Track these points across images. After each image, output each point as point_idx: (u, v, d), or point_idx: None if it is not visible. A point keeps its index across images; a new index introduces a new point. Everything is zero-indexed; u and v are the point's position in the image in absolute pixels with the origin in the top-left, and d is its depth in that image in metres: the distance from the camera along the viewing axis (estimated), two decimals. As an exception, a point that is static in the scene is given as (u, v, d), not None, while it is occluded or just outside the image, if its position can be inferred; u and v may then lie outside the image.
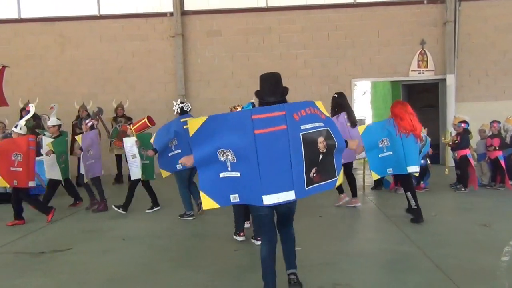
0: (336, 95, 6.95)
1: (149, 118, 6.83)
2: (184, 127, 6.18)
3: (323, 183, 3.48)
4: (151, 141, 6.60)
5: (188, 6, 12.14)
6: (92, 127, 7.38)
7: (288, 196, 3.29)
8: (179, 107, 6.44)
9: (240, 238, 5.33)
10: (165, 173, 6.64)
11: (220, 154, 3.35)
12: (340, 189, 6.88)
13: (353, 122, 6.83)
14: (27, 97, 10.49)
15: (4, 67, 9.71)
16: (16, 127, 6.75)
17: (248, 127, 3.26)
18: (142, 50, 12.15)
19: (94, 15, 12.30)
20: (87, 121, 7.60)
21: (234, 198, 3.44)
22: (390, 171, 5.79)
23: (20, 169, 6.47)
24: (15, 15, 12.42)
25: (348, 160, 6.56)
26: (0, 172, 6.41)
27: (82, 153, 7.20)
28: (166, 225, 6.36)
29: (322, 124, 3.43)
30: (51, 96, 11.58)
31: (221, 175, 3.40)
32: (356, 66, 12.10)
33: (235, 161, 3.33)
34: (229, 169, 3.36)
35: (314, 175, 3.38)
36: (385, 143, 5.65)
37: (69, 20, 12.27)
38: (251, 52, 12.07)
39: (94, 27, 12.23)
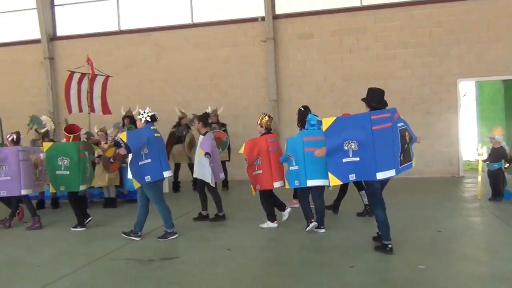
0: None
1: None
2: (155, 135, 5.97)
3: (405, 164, 4.91)
4: (123, 138, 5.81)
5: (279, 10, 11.94)
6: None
7: (391, 173, 4.76)
8: (148, 115, 5.98)
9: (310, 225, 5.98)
10: (136, 184, 5.87)
11: (345, 144, 4.79)
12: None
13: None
14: (126, 105, 10.88)
15: (107, 77, 10.17)
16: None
17: (368, 125, 4.71)
18: (234, 56, 12.15)
19: (187, 24, 12.55)
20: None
21: (352, 177, 4.89)
22: (297, 183, 5.97)
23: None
24: (115, 28, 13.06)
25: None
26: None
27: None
28: (269, 235, 6.08)
29: (403, 123, 4.91)
30: (147, 104, 11.88)
31: (344, 160, 4.82)
32: (462, 65, 11.08)
33: (357, 149, 4.77)
34: (350, 155, 4.80)
35: (402, 158, 4.81)
36: (292, 157, 5.95)
37: (164, 30, 12.64)
38: (344, 53, 11.55)
39: (187, 36, 12.48)
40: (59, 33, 13.54)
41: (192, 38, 12.44)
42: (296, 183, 5.96)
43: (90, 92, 9.62)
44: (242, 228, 6.49)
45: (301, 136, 5.96)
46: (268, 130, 6.47)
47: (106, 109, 10.06)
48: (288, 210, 6.60)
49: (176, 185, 10.29)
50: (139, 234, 6.12)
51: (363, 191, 6.62)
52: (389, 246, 4.90)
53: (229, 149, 9.74)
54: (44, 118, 9.14)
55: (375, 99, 4.95)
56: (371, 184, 4.93)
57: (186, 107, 11.12)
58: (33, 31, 13.47)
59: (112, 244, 5.89)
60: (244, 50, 12.12)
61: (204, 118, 7.21)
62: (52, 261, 5.28)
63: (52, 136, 8.90)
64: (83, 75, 9.45)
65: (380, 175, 4.71)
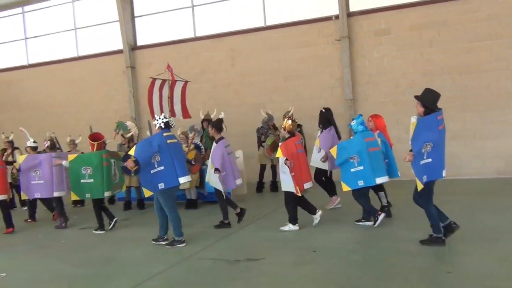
0: (324, 110, 7.67)
1: None
2: (168, 141, 5.87)
3: None
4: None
5: (353, 7, 11.64)
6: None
7: (445, 172, 5.13)
8: (163, 122, 6.01)
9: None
10: (147, 192, 5.94)
11: (423, 147, 4.92)
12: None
13: (339, 135, 7.64)
14: (203, 110, 11.16)
15: (186, 82, 10.49)
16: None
17: (436, 125, 4.91)
18: (308, 56, 12.03)
19: (260, 27, 12.62)
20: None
21: (424, 178, 4.97)
22: (361, 183, 6.13)
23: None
24: (191, 35, 13.48)
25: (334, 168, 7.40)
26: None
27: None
28: (355, 237, 5.91)
29: None
30: (222, 108, 12.15)
31: (421, 162, 4.95)
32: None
33: (430, 150, 4.94)
34: (425, 157, 4.96)
35: None
36: (356, 159, 6.11)
37: (238, 34, 12.82)
38: (424, 48, 11.00)
39: (261, 38, 12.55)
40: (139, 42, 14.23)
41: (265, 41, 12.50)
42: (360, 183, 6.11)
43: (171, 97, 9.97)
44: (324, 229, 6.36)
45: (362, 137, 6.14)
46: (291, 134, 6.52)
47: (186, 113, 10.38)
48: (319, 213, 6.51)
49: (259, 186, 10.34)
50: (165, 238, 6.15)
51: (382, 192, 6.73)
52: (442, 237, 5.11)
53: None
54: (129, 123, 9.64)
55: (431, 100, 5.00)
56: (432, 183, 5.08)
57: (260, 109, 11.16)
58: (116, 42, 14.27)
59: (198, 244, 6.03)
60: (318, 50, 11.96)
61: (217, 124, 7.00)
62: (145, 260, 5.51)
63: (136, 141, 9.32)
64: (163, 81, 9.83)
65: (444, 173, 5.08)
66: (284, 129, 6.54)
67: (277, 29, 12.38)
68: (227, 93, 12.95)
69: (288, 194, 6.38)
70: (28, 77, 15.84)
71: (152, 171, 5.78)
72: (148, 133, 9.16)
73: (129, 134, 9.24)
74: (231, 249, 5.74)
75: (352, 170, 6.12)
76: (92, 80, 14.74)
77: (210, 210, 8.36)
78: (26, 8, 15.86)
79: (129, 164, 5.78)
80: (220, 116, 8.36)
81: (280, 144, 6.47)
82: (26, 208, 9.20)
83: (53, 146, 8.27)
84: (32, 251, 6.40)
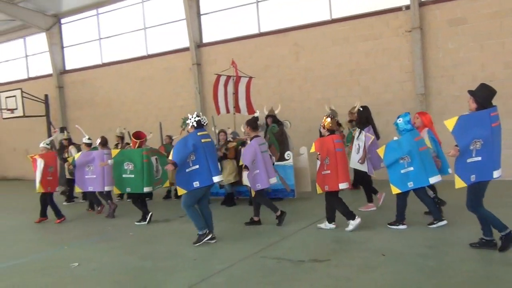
0: (362, 109, 7.45)
1: None
2: (202, 141, 5.86)
3: None
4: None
5: (426, -4, 11.00)
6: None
7: (499, 173, 4.69)
8: (195, 121, 5.99)
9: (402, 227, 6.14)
10: (181, 191, 5.92)
11: (472, 144, 4.67)
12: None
13: (378, 135, 7.42)
14: (267, 106, 11.07)
15: (250, 78, 10.46)
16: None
17: (488, 122, 4.59)
18: (375, 49, 11.54)
19: (326, 20, 12.30)
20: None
21: (473, 178, 4.71)
22: (411, 185, 5.96)
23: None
24: (255, 31, 13.44)
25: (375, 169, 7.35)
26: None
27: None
28: (425, 239, 5.52)
29: None
30: (287, 104, 12.05)
31: (468, 160, 4.72)
32: None
33: (480, 148, 4.64)
34: (473, 155, 4.68)
35: None
36: (406, 159, 5.92)
37: (302, 29, 12.59)
38: (507, 38, 10.12)
39: (326, 32, 12.23)
40: (205, 40, 14.43)
41: (330, 34, 12.16)
42: (410, 185, 5.94)
43: (236, 93, 10.00)
44: (393, 231, 6.02)
45: (412, 137, 5.94)
46: (331, 132, 6.37)
47: (251, 109, 10.36)
48: (358, 221, 6.18)
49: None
50: (206, 231, 6.11)
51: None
52: (493, 241, 4.89)
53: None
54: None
55: (484, 96, 4.70)
56: (484, 184, 4.77)
57: (324, 105, 10.88)
58: (183, 40, 14.59)
59: (260, 242, 5.94)
60: (386, 42, 11.43)
61: (252, 122, 7.01)
62: (209, 255, 5.51)
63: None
64: (228, 77, 9.87)
65: (495, 174, 4.65)
66: (324, 127, 6.42)
67: (343, 22, 12.00)
68: (291, 88, 12.79)
69: (330, 194, 6.31)
70: (101, 76, 16.68)
71: (187, 170, 5.85)
72: (213, 129, 9.29)
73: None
74: (295, 248, 5.59)
75: (402, 171, 5.95)
76: (160, 77, 15.20)
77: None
78: (100, 9, 16.67)
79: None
80: (256, 115, 8.33)
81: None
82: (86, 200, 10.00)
83: (105, 143, 8.79)
84: (102, 243, 6.65)
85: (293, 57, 12.77)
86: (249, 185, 6.82)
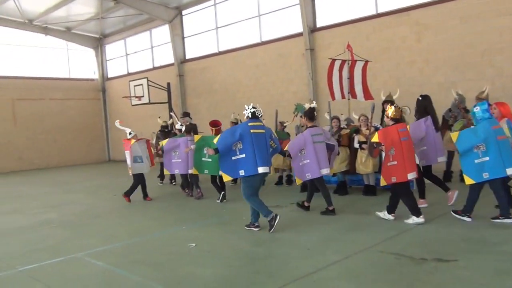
0: (421, 98, 6.97)
1: None
2: (251, 131, 5.94)
3: None
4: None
5: None
6: None
7: None
8: (250, 112, 6.16)
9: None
10: (226, 177, 6.22)
11: None
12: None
13: (437, 127, 6.88)
14: (385, 90, 10.43)
15: (367, 62, 9.94)
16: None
17: None
18: (513, 25, 10.16)
19: (453, -5, 11.16)
20: None
21: None
22: (486, 175, 5.65)
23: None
24: (372, 12, 12.74)
25: (429, 163, 6.92)
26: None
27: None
28: None
29: None
30: (405, 88, 11.24)
31: None
32: None
33: None
34: None
35: None
36: (481, 148, 5.64)
37: (426, 7, 11.58)
38: None
39: (453, 9, 11.09)
40: (319, 24, 14.09)
41: (458, 11, 10.99)
42: (485, 176, 5.66)
43: (351, 78, 9.57)
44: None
45: (490, 125, 5.65)
46: (396, 121, 6.14)
47: (367, 95, 9.85)
48: (421, 220, 5.98)
49: (447, 175, 9.25)
50: (256, 224, 6.25)
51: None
52: None
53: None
54: (307, 106, 9.63)
55: None
56: None
57: (449, 89, 9.90)
58: (296, 26, 14.43)
59: (377, 235, 5.62)
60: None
61: (309, 113, 7.20)
62: (321, 246, 5.35)
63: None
64: (343, 62, 9.47)
65: None
66: (387, 117, 6.22)
67: (474, -4, 10.76)
68: (411, 71, 11.92)
69: (399, 186, 6.07)
70: (218, 64, 17.31)
71: (233, 158, 6.02)
72: (326, 116, 9.03)
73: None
74: (416, 245, 5.15)
75: (476, 161, 5.70)
76: (273, 64, 15.27)
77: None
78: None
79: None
80: (312, 105, 8.16)
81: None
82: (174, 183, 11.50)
83: (189, 130, 9.33)
84: (216, 225, 6.86)
85: (414, 37, 11.84)
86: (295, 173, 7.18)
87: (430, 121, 6.77)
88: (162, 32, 19.50)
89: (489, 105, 5.93)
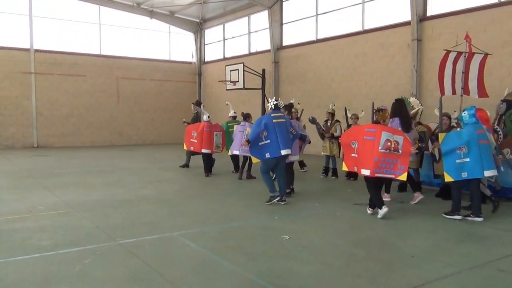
0: (394, 101, 7.14)
1: None
2: (274, 121, 7.19)
3: None
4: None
5: None
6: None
7: None
8: (273, 104, 7.37)
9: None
10: (255, 159, 7.61)
11: None
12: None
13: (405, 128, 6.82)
14: (500, 88, 9.36)
15: (486, 55, 8.93)
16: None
17: None
18: None
19: None
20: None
21: None
22: (464, 175, 6.14)
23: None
24: (494, 0, 11.48)
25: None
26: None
27: None
28: None
29: None
30: None
31: None
32: None
33: None
34: None
35: None
36: (463, 150, 6.11)
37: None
38: None
39: None
40: (429, 13, 13.05)
41: None
42: (464, 175, 6.13)
43: (466, 72, 8.63)
44: None
45: (475, 129, 6.15)
46: (377, 123, 6.65)
47: (482, 92, 8.85)
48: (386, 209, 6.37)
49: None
50: (276, 194, 7.38)
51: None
52: None
53: None
54: (412, 100, 8.96)
55: None
56: None
57: None
58: (403, 14, 13.51)
59: (493, 249, 4.99)
60: None
61: (288, 107, 8.46)
62: (427, 255, 4.83)
63: (419, 119, 8.68)
64: (459, 54, 8.55)
65: None
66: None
67: None
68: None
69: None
70: (315, 52, 16.88)
71: (260, 144, 7.26)
72: (436, 112, 8.30)
73: (413, 111, 8.52)
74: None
75: (457, 161, 6.17)
76: (374, 54, 14.51)
77: (506, 208, 6.97)
78: (319, -15, 16.73)
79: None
80: (291, 101, 8.92)
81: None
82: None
83: (246, 118, 10.15)
84: (309, 219, 6.56)
85: (544, 30, 10.48)
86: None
87: (396, 123, 6.83)
88: (261, 18, 19.47)
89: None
